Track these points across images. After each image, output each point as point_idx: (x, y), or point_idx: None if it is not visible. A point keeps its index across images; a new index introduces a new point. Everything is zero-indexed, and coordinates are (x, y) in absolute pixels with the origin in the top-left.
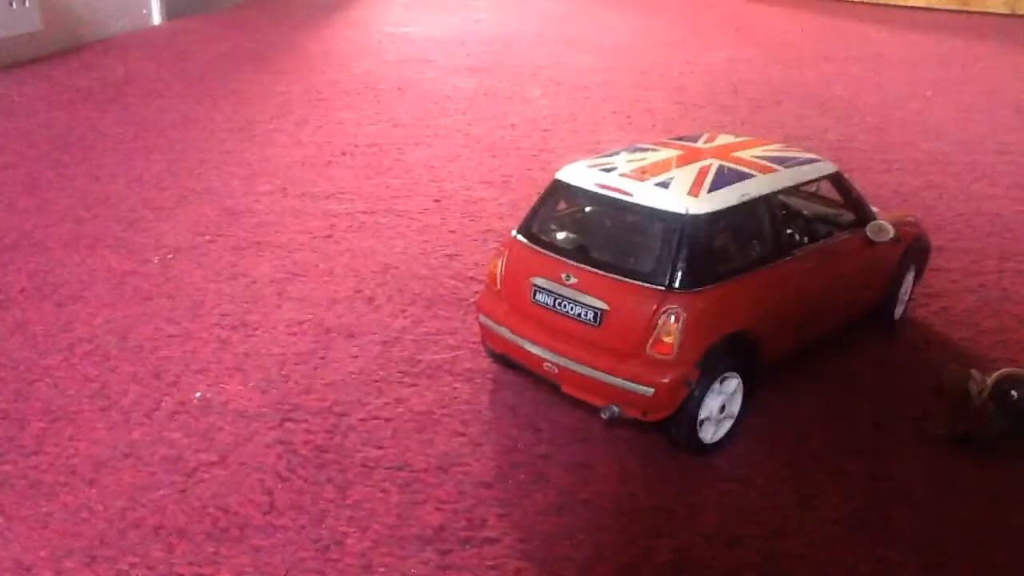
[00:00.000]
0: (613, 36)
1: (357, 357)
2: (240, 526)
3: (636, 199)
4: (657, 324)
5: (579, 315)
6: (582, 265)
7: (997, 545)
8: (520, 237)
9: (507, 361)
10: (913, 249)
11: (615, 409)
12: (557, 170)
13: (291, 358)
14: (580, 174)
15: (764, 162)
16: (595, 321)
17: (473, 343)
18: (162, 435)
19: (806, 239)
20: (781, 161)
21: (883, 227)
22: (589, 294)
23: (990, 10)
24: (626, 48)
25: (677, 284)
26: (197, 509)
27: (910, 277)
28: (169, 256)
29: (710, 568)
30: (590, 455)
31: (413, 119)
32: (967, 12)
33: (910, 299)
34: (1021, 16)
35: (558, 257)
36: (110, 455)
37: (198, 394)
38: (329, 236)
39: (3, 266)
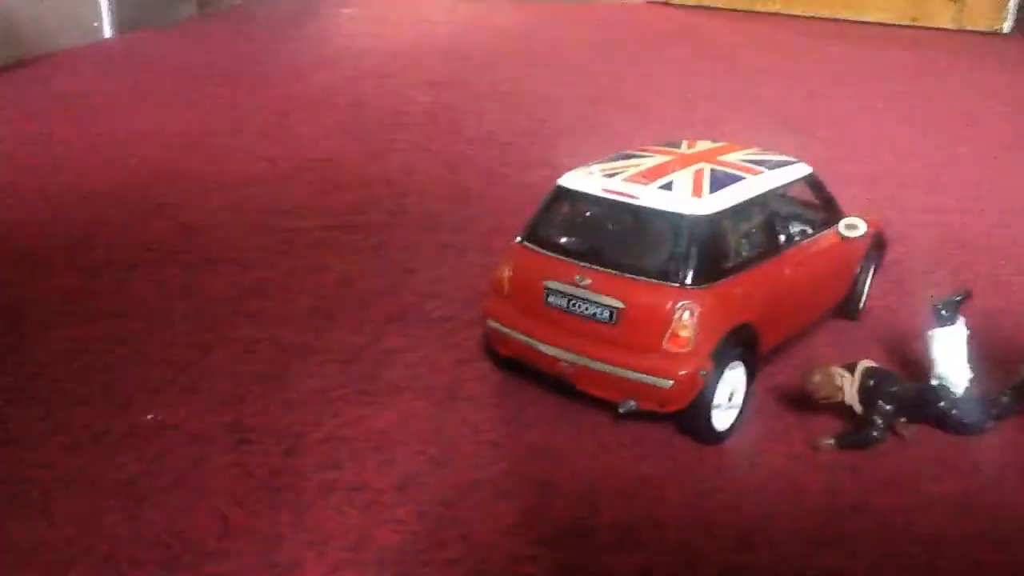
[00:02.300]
0: (569, 52)
1: (315, 375)
2: (193, 552)
3: (643, 202)
4: (673, 319)
5: (594, 314)
6: (595, 266)
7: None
8: (526, 243)
9: (515, 365)
10: (873, 246)
11: (632, 403)
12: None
13: (247, 377)
14: (584, 180)
15: (749, 164)
16: (611, 319)
17: (432, 360)
18: (113, 460)
19: (788, 237)
20: (763, 164)
21: (856, 224)
22: (604, 294)
23: (939, 25)
24: (582, 63)
25: (689, 281)
26: (149, 536)
27: (871, 270)
28: (121, 274)
29: None
30: (552, 472)
31: (371, 134)
32: (916, 27)
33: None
34: (969, 31)
35: (569, 260)
36: (58, 481)
37: (150, 416)
38: (286, 252)
39: None
